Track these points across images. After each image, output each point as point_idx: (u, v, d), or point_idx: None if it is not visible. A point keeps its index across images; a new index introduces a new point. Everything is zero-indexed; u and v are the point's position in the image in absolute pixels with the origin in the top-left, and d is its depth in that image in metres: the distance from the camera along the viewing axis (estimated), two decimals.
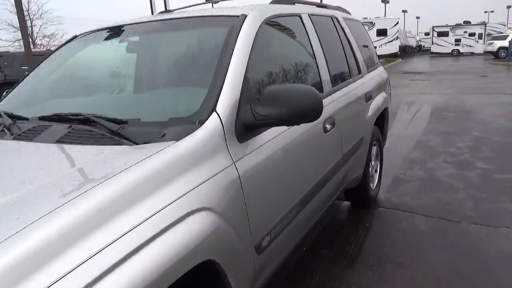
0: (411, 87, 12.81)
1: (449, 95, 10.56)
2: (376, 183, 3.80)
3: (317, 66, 2.50)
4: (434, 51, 35.63)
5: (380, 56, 26.85)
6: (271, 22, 2.09)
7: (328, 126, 2.35)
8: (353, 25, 3.60)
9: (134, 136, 1.43)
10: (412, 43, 41.56)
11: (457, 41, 34.46)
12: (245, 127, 1.63)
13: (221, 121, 1.52)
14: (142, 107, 1.72)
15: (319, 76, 2.50)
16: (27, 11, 24.12)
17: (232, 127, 1.56)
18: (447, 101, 9.55)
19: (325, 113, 2.35)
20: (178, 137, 1.41)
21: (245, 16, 1.93)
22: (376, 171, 3.85)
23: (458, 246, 2.85)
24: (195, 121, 1.50)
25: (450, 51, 34.37)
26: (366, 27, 31.41)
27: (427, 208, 3.50)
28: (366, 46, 3.92)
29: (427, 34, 47.15)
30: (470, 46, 34.19)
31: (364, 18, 31.79)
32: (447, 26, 35.43)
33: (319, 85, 2.48)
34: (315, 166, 2.20)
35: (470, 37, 34.19)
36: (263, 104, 1.61)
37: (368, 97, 3.27)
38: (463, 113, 7.89)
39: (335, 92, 2.64)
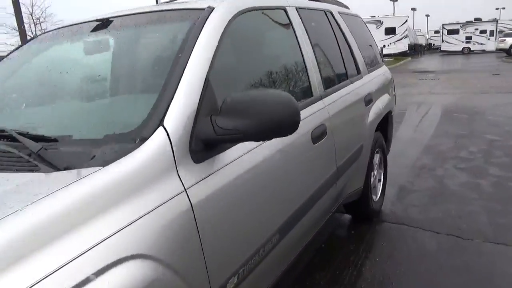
0: (420, 87, 12.38)
1: (460, 94, 10.12)
2: (379, 194, 3.46)
3: (305, 67, 2.18)
4: (444, 49, 34.98)
5: (388, 55, 26.38)
6: (246, 16, 1.78)
7: (317, 136, 2.03)
8: (352, 20, 3.26)
9: (56, 159, 1.13)
10: (422, 41, 40.88)
11: (468, 38, 33.76)
12: (204, 144, 1.32)
13: (169, 138, 1.21)
14: (79, 120, 1.42)
15: (308, 78, 2.18)
16: (31, 15, 24.15)
17: (185, 144, 1.25)
18: (458, 101, 9.12)
19: (313, 121, 2.04)
20: (108, 161, 1.11)
21: (212, 9, 1.62)
22: (379, 180, 3.51)
23: (470, 269, 2.50)
24: (135, 139, 1.19)
25: (461, 49, 33.68)
26: (374, 26, 31.05)
27: (436, 223, 3.15)
28: (368, 44, 3.59)
29: (437, 32, 46.44)
30: (481, 43, 33.47)
31: (372, 16, 31.29)
32: (457, 23, 34.73)
33: (307, 89, 2.17)
34: (300, 184, 1.88)
35: (481, 35, 33.47)
36: (226, 115, 1.30)
37: (368, 100, 2.94)
38: (475, 114, 7.48)
39: (327, 96, 2.32)
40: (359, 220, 3.31)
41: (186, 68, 1.37)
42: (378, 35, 28.66)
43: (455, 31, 34.08)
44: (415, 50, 34.65)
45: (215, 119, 1.31)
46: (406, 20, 30.49)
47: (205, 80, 1.39)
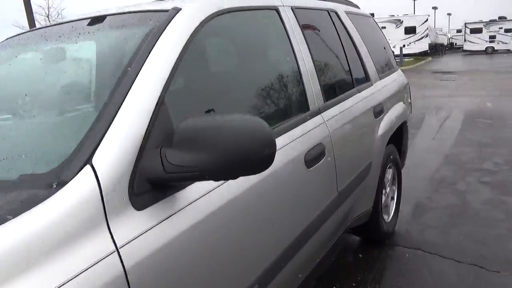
0: (440, 89, 11.84)
1: (484, 97, 9.58)
2: (392, 213, 3.11)
3: (301, 77, 1.87)
4: (466, 48, 33.93)
5: (408, 55, 25.76)
6: (224, 19, 1.48)
7: (313, 159, 1.72)
8: (361, 21, 2.93)
9: None
10: (443, 40, 39.83)
11: (492, 37, 32.64)
12: (151, 184, 1.03)
13: (97, 181, 0.93)
14: (2, 152, 1.14)
15: (304, 89, 1.87)
16: (47, 16, 24.49)
17: (123, 186, 0.97)
18: (482, 105, 8.61)
19: (308, 141, 1.73)
20: (15, 211, 0.84)
21: (178, 11, 1.33)
22: (392, 198, 3.16)
23: None
24: (50, 183, 0.91)
25: (484, 49, 32.59)
26: (394, 25, 30.38)
27: (457, 249, 2.78)
28: (380, 47, 3.25)
29: (459, 31, 45.24)
30: (505, 43, 32.30)
31: (391, 15, 30.57)
32: (480, 22, 33.64)
33: (302, 102, 1.86)
34: (289, 220, 1.57)
35: (506, 34, 32.31)
36: (179, 147, 1.01)
37: (379, 110, 2.60)
38: (500, 119, 6.99)
39: (328, 109, 2.01)
40: (369, 242, 2.97)
41: (132, 86, 1.08)
42: (398, 35, 28.00)
43: (478, 30, 33.00)
44: (436, 49, 33.73)
45: (165, 152, 1.02)
46: (427, 19, 29.67)
47: (158, 102, 1.10)
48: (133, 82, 1.09)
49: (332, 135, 1.93)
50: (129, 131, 1.02)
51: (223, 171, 1.00)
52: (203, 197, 1.15)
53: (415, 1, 42.54)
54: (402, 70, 3.77)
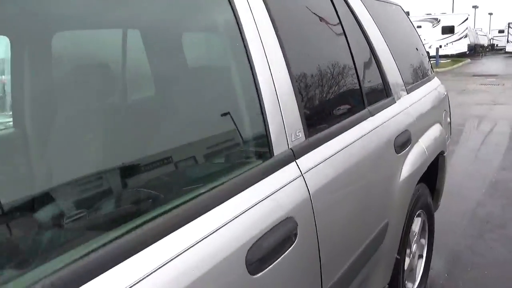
0: (481, 94, 10.60)
1: None
2: (419, 280, 2.24)
3: (259, 102, 1.07)
4: (509, 50, 31.75)
5: (445, 56, 24.36)
6: None
7: (265, 256, 0.92)
8: (382, 9, 2.08)
9: None
10: (483, 41, 37.59)
11: None
12: None
13: None
14: None
15: (265, 126, 1.07)
16: None
17: None
18: None
19: (258, 223, 0.93)
20: None
21: None
22: (420, 256, 2.29)
23: None
24: None
25: None
26: (430, 24, 29.04)
27: None
28: (410, 47, 2.38)
29: (501, 31, 42.69)
30: None
31: (428, 14, 28.87)
32: None
33: (261, 145, 1.06)
34: None
35: None
36: None
37: (403, 141, 1.75)
38: None
39: (309, 151, 1.19)
40: None
41: None
42: (434, 34, 26.39)
43: None
44: (476, 51, 31.72)
45: None
46: (466, 18, 27.83)
47: None
48: None
49: (314, 200, 1.12)
50: None
51: None
52: None
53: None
54: (437, 73, 2.88)
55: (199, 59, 1.20)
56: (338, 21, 1.60)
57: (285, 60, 1.18)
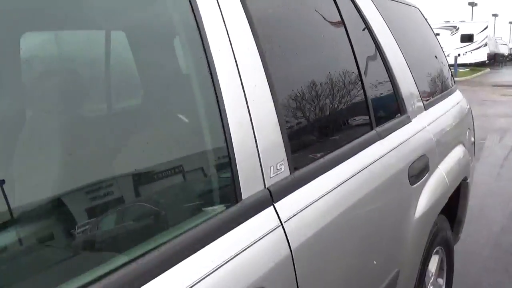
0: (503, 105, 10.11)
1: None
2: None
3: (221, 118, 0.78)
4: None
5: (463, 65, 23.78)
6: None
7: None
8: (396, 10, 1.78)
9: None
10: (504, 50, 36.64)
11: None
12: None
13: None
14: None
15: (228, 155, 0.78)
16: None
17: None
18: None
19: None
20: None
21: None
22: None
23: None
24: None
25: None
26: (449, 32, 28.49)
27: None
28: (429, 55, 2.07)
29: None
30: None
31: (446, 21, 28.26)
32: None
33: (216, 194, 0.78)
34: None
35: None
36: None
37: (419, 169, 1.44)
38: None
39: (294, 190, 0.90)
40: None
41: None
42: (453, 43, 25.78)
43: None
44: (495, 60, 30.87)
45: None
46: (486, 27, 27.14)
47: None
48: None
49: (298, 261, 0.82)
50: None
51: None
52: None
53: (474, 7, 39.48)
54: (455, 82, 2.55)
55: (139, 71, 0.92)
56: (340, 21, 1.31)
57: (262, 64, 0.89)
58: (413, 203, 1.38)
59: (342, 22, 1.30)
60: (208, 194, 0.81)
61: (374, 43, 1.43)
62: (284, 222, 0.85)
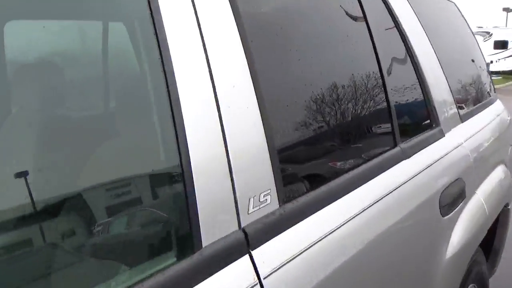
0: None
1: None
2: None
3: (175, 133, 0.55)
4: None
5: (496, 72, 22.98)
6: None
7: None
8: (431, 5, 1.50)
9: None
10: None
11: None
12: None
13: None
14: None
15: (184, 185, 0.55)
16: None
17: None
18: None
19: None
20: None
21: None
22: None
23: None
24: None
25: None
26: (481, 38, 27.62)
27: None
28: (465, 58, 1.78)
29: None
30: None
31: (479, 27, 27.23)
32: None
33: (169, 241, 0.54)
34: None
35: None
36: None
37: (454, 197, 1.16)
38: None
39: (284, 230, 0.65)
40: None
41: None
42: (485, 49, 24.85)
43: None
44: None
45: None
46: None
47: None
48: None
49: None
50: None
51: None
52: None
53: (508, 13, 37.97)
54: None
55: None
56: (361, 14, 1.05)
57: (246, 59, 0.65)
58: (445, 240, 1.10)
59: (363, 15, 1.04)
60: (149, 241, 0.57)
61: (404, 42, 1.16)
62: (263, 279, 0.60)
